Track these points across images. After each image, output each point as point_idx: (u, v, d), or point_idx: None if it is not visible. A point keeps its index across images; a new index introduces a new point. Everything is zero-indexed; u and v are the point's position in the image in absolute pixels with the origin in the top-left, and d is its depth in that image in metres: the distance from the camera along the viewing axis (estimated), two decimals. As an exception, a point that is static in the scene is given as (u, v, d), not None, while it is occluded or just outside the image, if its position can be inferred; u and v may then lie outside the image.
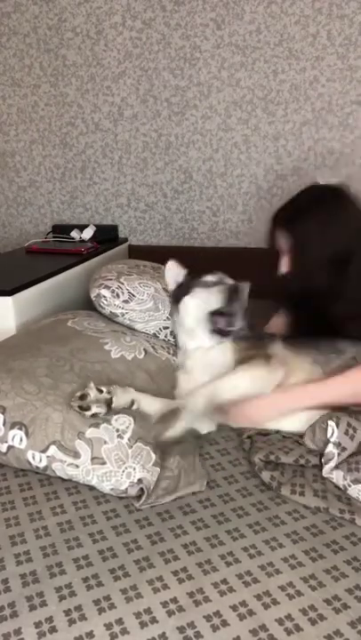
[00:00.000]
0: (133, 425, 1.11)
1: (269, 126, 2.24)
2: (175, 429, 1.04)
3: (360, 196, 1.45)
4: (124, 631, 0.76)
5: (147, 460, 1.07)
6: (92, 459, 1.06)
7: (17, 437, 1.11)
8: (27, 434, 1.11)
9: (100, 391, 1.13)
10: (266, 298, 1.57)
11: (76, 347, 1.33)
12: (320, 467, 1.11)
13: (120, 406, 1.16)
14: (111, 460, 1.05)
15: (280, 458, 1.14)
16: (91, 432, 1.08)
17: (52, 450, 1.09)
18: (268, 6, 2.10)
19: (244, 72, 2.20)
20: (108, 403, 1.13)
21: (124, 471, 1.05)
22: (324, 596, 0.82)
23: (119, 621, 0.78)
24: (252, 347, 1.34)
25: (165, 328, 1.54)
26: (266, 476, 1.10)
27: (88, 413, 1.10)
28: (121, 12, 2.24)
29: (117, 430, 1.09)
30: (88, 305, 1.59)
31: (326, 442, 1.10)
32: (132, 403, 1.20)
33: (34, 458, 1.10)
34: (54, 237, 2.38)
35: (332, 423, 1.10)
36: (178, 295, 1.48)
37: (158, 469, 1.07)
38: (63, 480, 1.12)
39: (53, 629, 0.77)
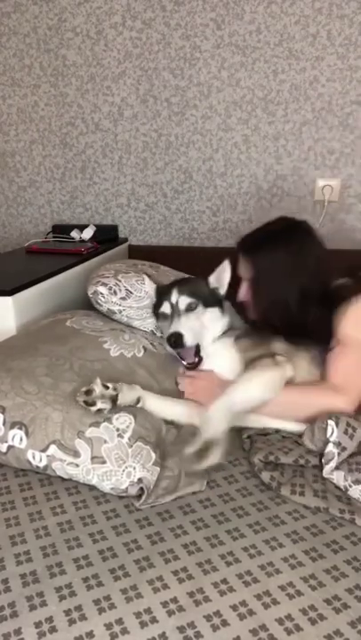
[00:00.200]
0: (134, 424, 1.11)
1: (269, 126, 2.24)
2: (215, 456, 1.07)
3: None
4: (125, 631, 0.76)
5: (147, 460, 1.07)
6: (92, 458, 1.06)
7: (17, 437, 1.11)
8: (27, 433, 1.11)
9: (106, 387, 1.14)
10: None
11: (75, 346, 1.33)
12: (320, 467, 1.11)
13: (126, 403, 1.16)
14: (111, 460, 1.05)
15: (280, 458, 1.14)
16: (91, 431, 1.08)
17: (52, 449, 1.09)
18: (268, 6, 2.10)
19: (244, 72, 2.20)
20: (114, 399, 1.14)
21: (124, 470, 1.05)
22: (324, 596, 0.82)
23: (119, 621, 0.78)
24: (254, 346, 1.34)
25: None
26: (266, 476, 1.10)
27: (93, 409, 1.10)
28: (121, 12, 2.24)
29: (118, 429, 1.09)
30: (88, 305, 1.58)
31: (326, 442, 1.10)
32: (138, 400, 1.20)
33: (34, 457, 1.10)
34: (54, 237, 2.38)
35: (331, 422, 1.10)
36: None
37: (158, 469, 1.08)
38: (63, 480, 1.12)
39: (53, 629, 0.77)
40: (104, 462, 1.05)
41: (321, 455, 1.12)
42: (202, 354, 1.36)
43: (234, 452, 1.22)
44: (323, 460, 1.10)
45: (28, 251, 2.17)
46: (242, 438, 1.26)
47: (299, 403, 1.24)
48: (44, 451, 1.09)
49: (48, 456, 1.09)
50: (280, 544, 0.93)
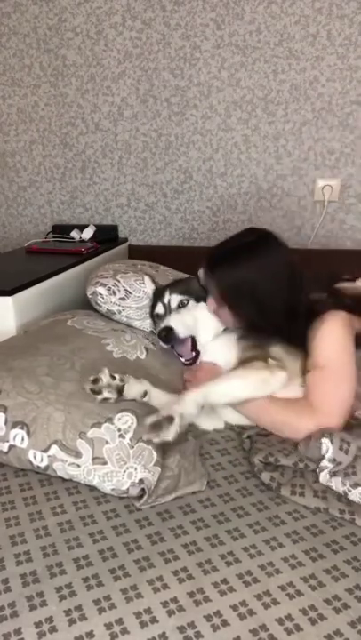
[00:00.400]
0: (136, 425, 1.11)
1: (269, 126, 2.24)
2: (169, 433, 1.04)
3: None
4: (125, 631, 0.76)
5: (148, 460, 1.07)
6: (94, 459, 1.06)
7: (18, 437, 1.11)
8: (28, 433, 1.11)
9: (114, 377, 1.15)
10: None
11: (77, 346, 1.33)
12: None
13: (132, 396, 1.18)
14: (112, 460, 1.05)
15: (279, 460, 1.13)
16: (92, 432, 1.08)
17: (54, 449, 1.09)
18: (268, 6, 2.10)
19: (244, 72, 2.20)
20: (120, 389, 1.15)
21: (125, 471, 1.05)
22: (325, 596, 0.82)
23: (119, 621, 0.78)
24: (253, 347, 1.33)
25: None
26: (266, 476, 1.10)
27: (99, 397, 1.12)
28: (121, 12, 2.24)
29: (119, 430, 1.09)
30: (88, 305, 1.59)
31: (321, 458, 1.08)
32: (145, 394, 1.21)
33: (35, 457, 1.10)
34: (54, 237, 2.38)
35: (326, 440, 1.07)
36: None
37: (159, 469, 1.07)
38: (63, 480, 1.12)
39: (53, 629, 0.77)
40: (105, 463, 1.05)
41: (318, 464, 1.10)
42: (198, 347, 1.37)
43: (233, 453, 1.22)
44: (317, 471, 1.09)
45: (28, 251, 2.17)
46: (242, 438, 1.26)
47: (274, 417, 1.22)
48: (45, 451, 1.09)
49: (49, 456, 1.09)
50: (280, 544, 0.93)
